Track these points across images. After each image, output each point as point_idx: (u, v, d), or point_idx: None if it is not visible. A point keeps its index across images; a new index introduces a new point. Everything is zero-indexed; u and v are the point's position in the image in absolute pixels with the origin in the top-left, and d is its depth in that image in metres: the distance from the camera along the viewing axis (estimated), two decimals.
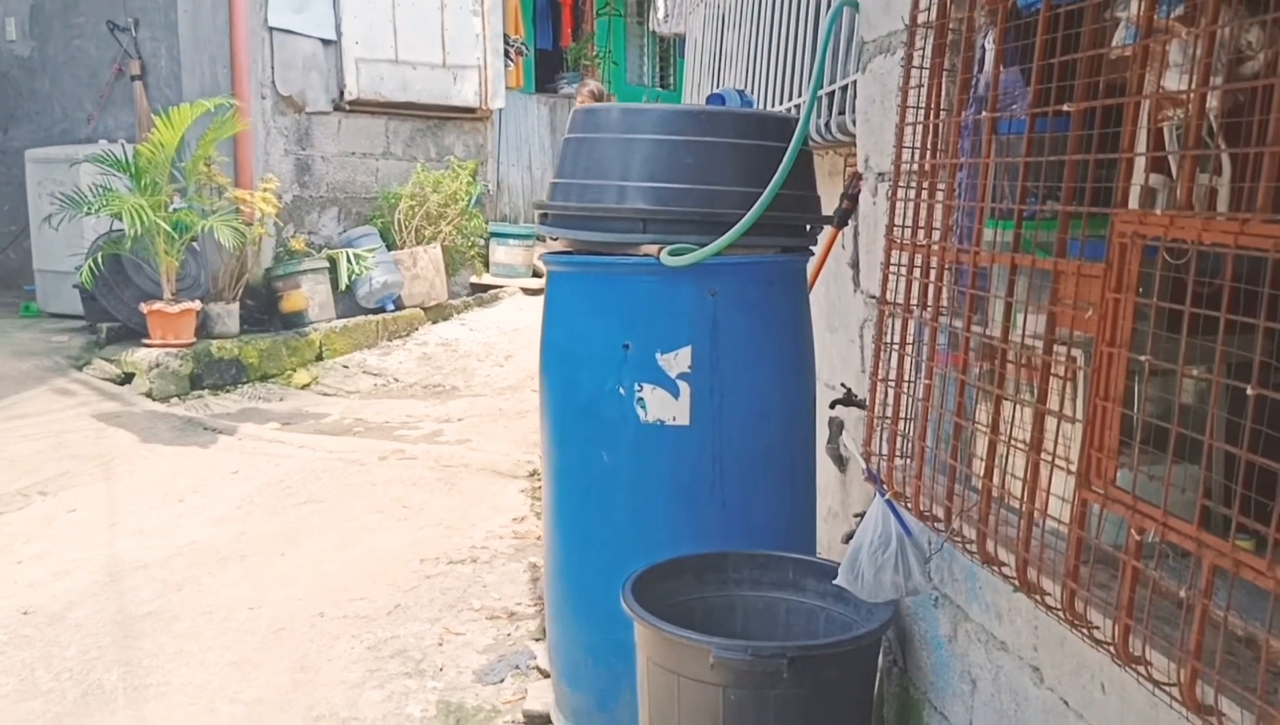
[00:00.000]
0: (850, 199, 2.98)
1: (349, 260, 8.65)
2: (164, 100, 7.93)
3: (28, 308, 8.72)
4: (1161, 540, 1.30)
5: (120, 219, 7.01)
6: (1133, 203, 1.43)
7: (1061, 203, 1.52)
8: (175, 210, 7.26)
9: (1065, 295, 1.51)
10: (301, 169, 9.08)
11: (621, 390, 2.80)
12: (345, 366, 8.27)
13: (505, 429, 6.71)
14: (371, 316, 8.87)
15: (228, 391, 7.37)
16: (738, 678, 2.24)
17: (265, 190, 7.96)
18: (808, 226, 3.02)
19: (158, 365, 7.07)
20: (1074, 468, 1.47)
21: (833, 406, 3.06)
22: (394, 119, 9.84)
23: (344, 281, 8.65)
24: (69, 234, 7.57)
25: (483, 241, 10.61)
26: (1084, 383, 1.51)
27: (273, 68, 8.70)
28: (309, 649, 3.65)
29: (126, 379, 7.15)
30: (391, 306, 9.08)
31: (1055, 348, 1.57)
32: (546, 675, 3.27)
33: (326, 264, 8.60)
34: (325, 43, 9.10)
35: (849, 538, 2.43)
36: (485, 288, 10.59)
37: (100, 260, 7.17)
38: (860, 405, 2.86)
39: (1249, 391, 1.11)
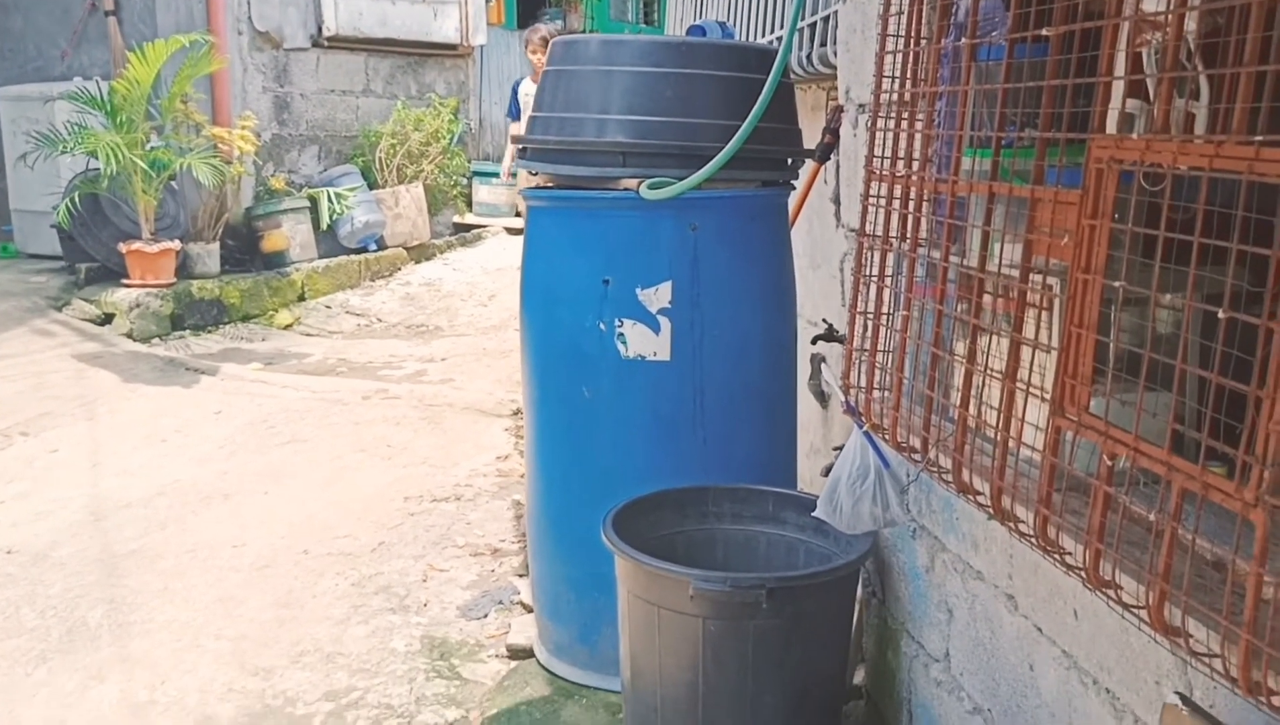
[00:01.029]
0: (832, 133, 2.96)
1: (330, 199, 8.58)
2: (138, 36, 7.79)
3: (5, 248, 8.64)
4: (1133, 465, 1.30)
5: (96, 157, 6.92)
6: (1110, 128, 1.42)
7: (1039, 129, 1.51)
8: (152, 148, 7.18)
9: (1042, 223, 1.51)
10: (280, 107, 8.97)
11: (602, 326, 2.80)
12: (328, 307, 8.24)
13: (489, 368, 6.71)
14: (354, 256, 8.82)
15: (209, 332, 7.34)
16: (717, 609, 2.26)
17: (243, 128, 7.86)
18: (789, 161, 2.99)
19: (138, 306, 7.03)
20: (1049, 396, 1.48)
21: (814, 342, 3.06)
22: (374, 56, 9.71)
23: (325, 221, 8.59)
24: (45, 173, 7.48)
25: (465, 180, 10.53)
26: (1060, 311, 1.50)
27: (249, 3, 8.55)
28: (293, 586, 3.67)
29: (106, 320, 7.11)
30: (374, 246, 9.03)
31: (1032, 276, 1.56)
32: (529, 610, 3.30)
33: (307, 203, 8.52)
34: None
35: (828, 471, 2.45)
36: (468, 227, 10.52)
37: (77, 200, 7.09)
38: (841, 340, 2.86)
39: (1220, 315, 1.10)
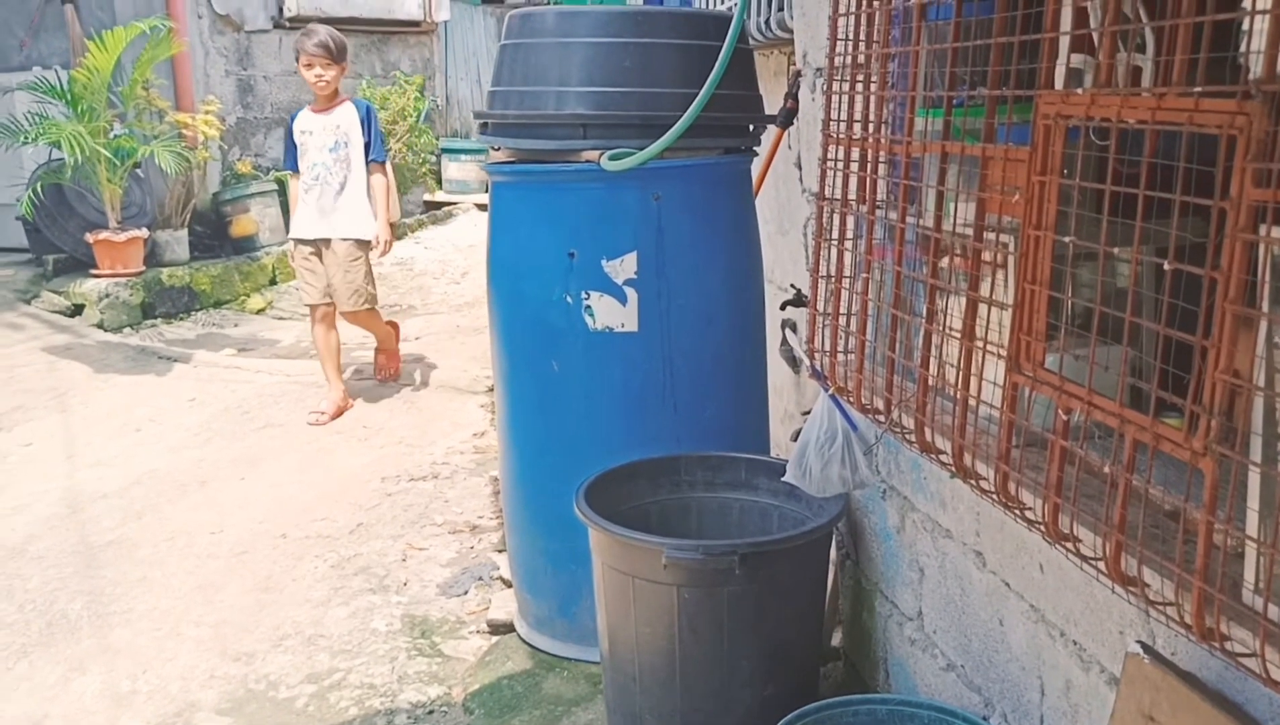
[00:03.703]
0: (794, 98, 2.95)
1: None
2: (97, 24, 7.68)
3: None
4: (1087, 418, 1.32)
5: (59, 147, 6.83)
6: (1058, 84, 1.42)
7: (988, 87, 1.51)
8: (115, 136, 7.09)
9: (994, 181, 1.51)
10: (244, 90, 8.87)
11: (569, 299, 2.79)
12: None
13: (463, 346, 6.69)
14: None
15: (181, 319, 7.29)
16: (691, 577, 2.27)
17: (207, 112, 7.78)
18: (751, 127, 2.99)
19: (108, 296, 6.97)
20: (1006, 353, 1.49)
21: (783, 307, 3.06)
22: None
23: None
24: (8, 164, 7.39)
25: (434, 158, 10.45)
26: (1014, 268, 1.51)
27: None
28: (272, 570, 3.67)
29: (76, 311, 7.05)
30: None
31: (986, 234, 1.57)
32: (509, 585, 3.31)
33: (275, 186, 8.45)
34: None
35: (797, 435, 2.45)
36: (439, 205, 10.46)
37: (41, 190, 7.00)
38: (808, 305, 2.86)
39: (1165, 267, 1.11)
